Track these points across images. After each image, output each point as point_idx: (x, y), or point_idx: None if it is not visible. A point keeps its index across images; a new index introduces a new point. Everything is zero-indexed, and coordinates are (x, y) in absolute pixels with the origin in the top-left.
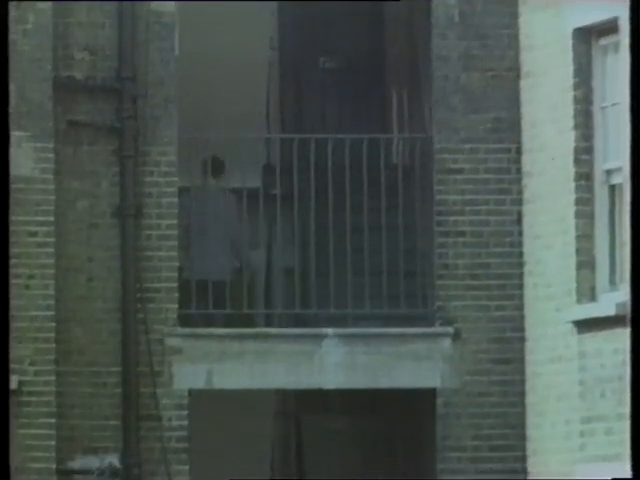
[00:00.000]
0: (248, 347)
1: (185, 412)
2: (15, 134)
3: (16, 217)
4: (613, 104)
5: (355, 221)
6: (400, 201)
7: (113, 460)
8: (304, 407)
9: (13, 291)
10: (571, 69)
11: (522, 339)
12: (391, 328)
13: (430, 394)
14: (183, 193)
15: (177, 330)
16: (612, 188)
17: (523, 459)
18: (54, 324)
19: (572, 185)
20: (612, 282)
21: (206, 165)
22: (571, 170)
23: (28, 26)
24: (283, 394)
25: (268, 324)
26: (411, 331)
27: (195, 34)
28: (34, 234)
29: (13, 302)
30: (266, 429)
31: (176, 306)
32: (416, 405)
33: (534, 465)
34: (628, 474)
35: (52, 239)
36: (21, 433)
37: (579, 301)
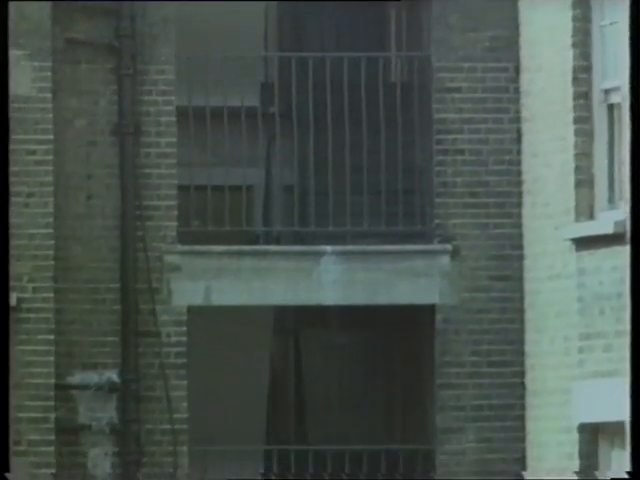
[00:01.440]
0: (247, 264)
1: (184, 328)
2: (14, 53)
3: (15, 136)
4: (612, 23)
5: (354, 139)
6: (399, 119)
7: (112, 375)
8: (303, 323)
9: (12, 209)
10: None
11: (521, 257)
12: (390, 245)
13: (429, 310)
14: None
15: (176, 247)
16: (610, 107)
17: (521, 374)
18: (53, 242)
19: (570, 104)
20: (611, 200)
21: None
22: (569, 89)
23: None
24: (282, 310)
25: (267, 242)
26: (410, 248)
27: None
28: (33, 152)
29: (12, 220)
30: (265, 345)
31: (175, 223)
32: (415, 321)
33: (532, 381)
34: (626, 391)
35: (51, 157)
36: (20, 349)
37: (577, 219)
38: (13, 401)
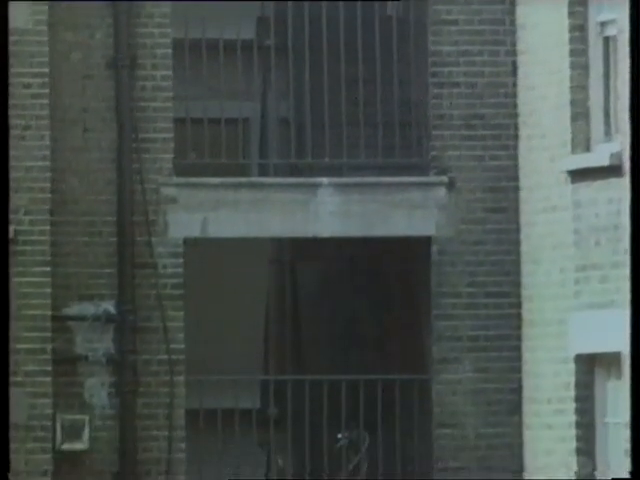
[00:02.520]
0: (243, 196)
1: (180, 260)
2: None
3: (11, 69)
4: None
5: (350, 72)
6: (394, 52)
7: (108, 307)
8: (299, 255)
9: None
10: None
11: (516, 188)
12: (386, 177)
13: (425, 242)
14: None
15: (172, 180)
16: (606, 40)
17: (518, 306)
18: (49, 174)
19: (566, 36)
20: (607, 133)
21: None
22: (565, 21)
23: None
24: (278, 242)
25: (263, 174)
26: (406, 180)
27: None
28: (28, 86)
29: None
30: (261, 277)
31: (171, 156)
32: (411, 253)
33: (529, 312)
34: (622, 322)
35: (47, 90)
36: (17, 281)
37: (573, 151)
38: (10, 333)
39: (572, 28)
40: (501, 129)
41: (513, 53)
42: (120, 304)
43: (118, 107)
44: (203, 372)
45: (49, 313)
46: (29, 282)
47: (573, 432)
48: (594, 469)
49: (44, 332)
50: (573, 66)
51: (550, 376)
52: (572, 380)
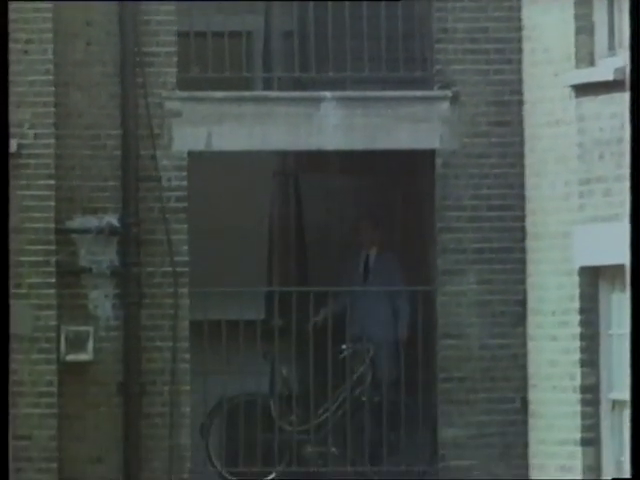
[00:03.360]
0: (247, 110)
1: (184, 173)
2: None
3: None
4: None
5: None
6: None
7: (112, 219)
8: (303, 168)
9: (12, 57)
10: None
11: (520, 102)
12: (390, 91)
13: (429, 155)
14: None
15: (176, 93)
16: None
17: (522, 219)
18: (53, 88)
19: None
20: (610, 47)
21: None
22: None
23: None
24: (282, 155)
25: (267, 87)
26: (410, 94)
27: None
28: None
29: (12, 68)
30: (265, 189)
31: (175, 70)
32: (415, 166)
33: (533, 225)
34: (626, 235)
35: (49, 5)
36: (20, 194)
37: (577, 66)
38: (14, 245)
39: None
40: (505, 43)
41: None
42: (124, 217)
43: (121, 20)
44: (207, 284)
45: (53, 226)
46: (33, 195)
47: (577, 344)
48: (598, 381)
49: (48, 245)
50: None
51: (554, 288)
52: (576, 292)
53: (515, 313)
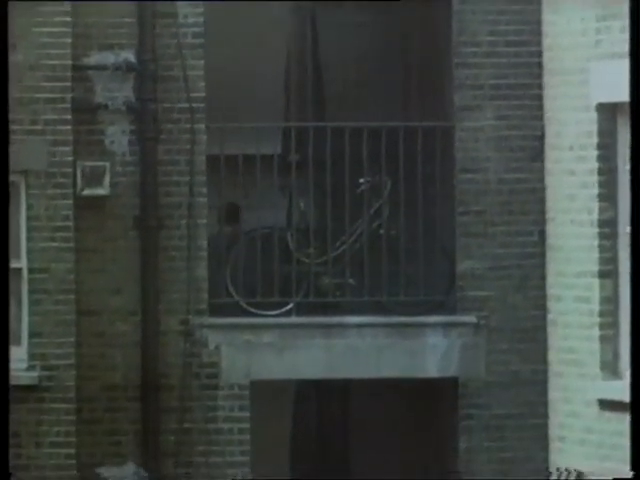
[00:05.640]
0: None
1: (201, 9)
2: None
3: None
4: None
5: None
6: None
7: (128, 56)
8: (321, 1)
9: None
10: None
11: None
12: None
13: None
14: None
15: None
16: None
17: (539, 54)
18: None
19: None
20: None
21: None
22: None
23: None
24: None
25: None
26: None
27: None
28: None
29: None
30: (282, 24)
31: None
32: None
33: (550, 61)
34: None
35: None
36: (36, 31)
37: None
38: (30, 82)
39: None
40: None
41: None
42: (140, 53)
43: None
44: (224, 119)
45: (69, 63)
46: (49, 32)
47: (595, 178)
48: (615, 215)
49: (64, 82)
50: None
51: (572, 124)
52: (594, 128)
53: (533, 148)
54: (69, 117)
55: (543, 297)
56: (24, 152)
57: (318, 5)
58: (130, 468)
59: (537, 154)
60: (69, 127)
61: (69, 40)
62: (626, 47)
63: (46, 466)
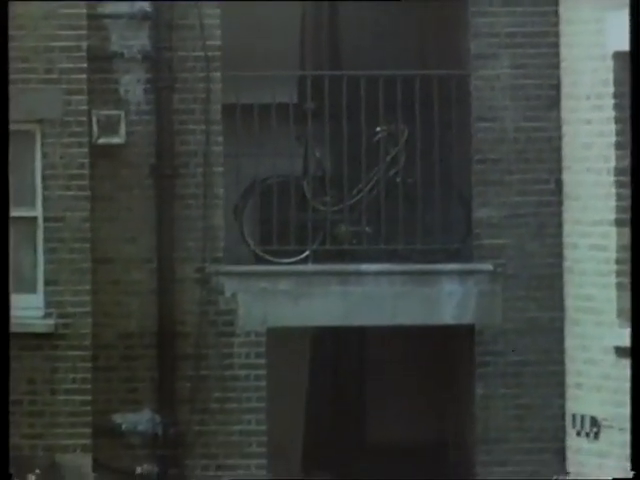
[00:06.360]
0: None
1: None
2: None
3: None
4: None
5: None
6: None
7: (143, 4)
8: None
9: None
10: None
11: None
12: None
13: None
14: None
15: None
16: None
17: (555, 3)
18: None
19: None
20: None
21: None
22: None
23: None
24: None
25: None
26: None
27: None
28: None
29: None
30: None
31: None
32: None
33: (565, 10)
34: None
35: None
36: None
37: None
38: (46, 31)
39: None
40: None
41: None
42: (156, 1)
43: None
44: (239, 68)
45: (84, 11)
46: None
47: (612, 127)
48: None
49: (79, 30)
50: None
51: (588, 73)
52: (610, 77)
53: (549, 97)
54: (84, 66)
55: (559, 245)
56: (39, 101)
57: None
58: (146, 415)
59: (553, 103)
60: (84, 76)
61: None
62: None
63: (61, 413)
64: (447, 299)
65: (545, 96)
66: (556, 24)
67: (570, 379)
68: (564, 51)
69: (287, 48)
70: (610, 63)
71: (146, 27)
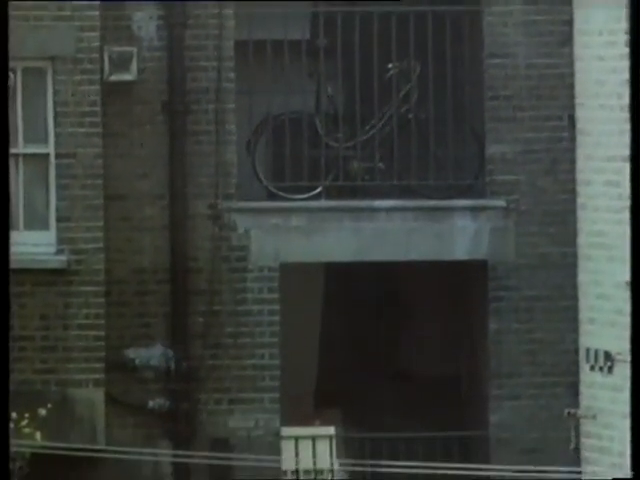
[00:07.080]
0: None
1: None
2: None
3: None
4: None
5: None
6: None
7: None
8: None
9: None
10: None
11: None
12: None
13: None
14: None
15: None
16: None
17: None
18: None
19: None
20: None
21: None
22: None
23: None
24: None
25: None
26: None
27: None
28: None
29: None
30: None
31: None
32: None
33: None
34: None
35: None
36: None
37: None
38: None
39: None
40: None
41: None
42: None
43: None
44: (252, 5)
45: None
46: None
47: (624, 63)
48: None
49: None
50: None
51: (601, 8)
52: (623, 13)
53: (562, 33)
54: (97, 2)
55: (572, 181)
56: (51, 38)
57: None
58: (158, 350)
59: (566, 39)
60: (97, 13)
61: None
62: None
63: (74, 348)
64: (460, 235)
65: (558, 32)
66: None
67: (583, 314)
68: None
69: None
70: None
71: None
